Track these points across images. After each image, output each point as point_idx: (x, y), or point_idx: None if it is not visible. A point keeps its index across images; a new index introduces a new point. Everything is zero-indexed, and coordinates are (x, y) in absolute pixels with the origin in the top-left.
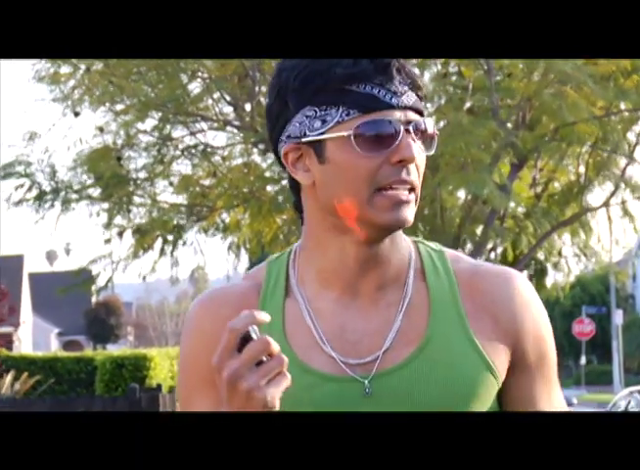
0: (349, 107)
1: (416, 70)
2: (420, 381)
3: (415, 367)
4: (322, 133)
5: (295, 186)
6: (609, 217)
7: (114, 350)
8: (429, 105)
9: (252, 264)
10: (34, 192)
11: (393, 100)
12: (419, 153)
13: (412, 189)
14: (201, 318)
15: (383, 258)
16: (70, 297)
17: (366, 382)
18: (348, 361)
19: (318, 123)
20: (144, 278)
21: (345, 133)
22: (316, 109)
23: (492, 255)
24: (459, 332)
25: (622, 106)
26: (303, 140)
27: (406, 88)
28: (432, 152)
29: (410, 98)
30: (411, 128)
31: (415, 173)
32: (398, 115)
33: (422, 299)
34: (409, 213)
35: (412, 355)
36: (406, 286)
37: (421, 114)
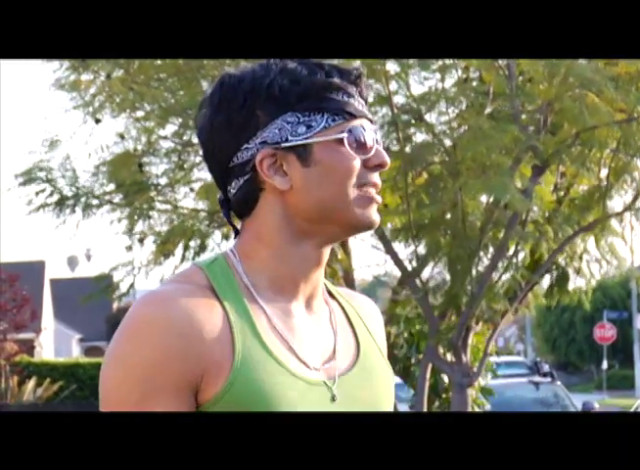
0: (334, 113)
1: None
2: (364, 386)
3: (358, 374)
4: (308, 137)
5: (251, 195)
6: (630, 222)
7: None
8: (450, 110)
9: None
10: (55, 197)
11: (364, 109)
12: None
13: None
14: (175, 318)
15: (324, 266)
16: (92, 303)
17: (334, 387)
18: (315, 366)
19: (303, 129)
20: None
21: (339, 136)
22: (299, 115)
23: (514, 259)
24: (373, 343)
25: None
26: (285, 145)
27: (363, 99)
28: None
29: (367, 108)
30: (378, 137)
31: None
32: (370, 123)
33: (338, 309)
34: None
35: (354, 363)
36: (324, 296)
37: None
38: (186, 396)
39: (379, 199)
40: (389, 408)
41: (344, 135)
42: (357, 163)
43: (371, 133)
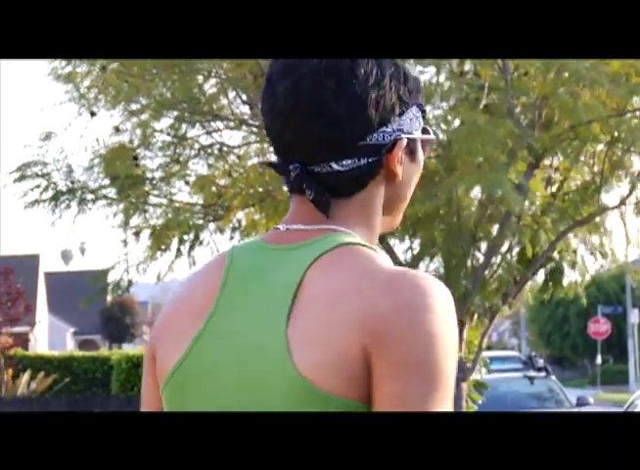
0: (423, 116)
1: None
2: None
3: None
4: (422, 133)
5: (367, 177)
6: (624, 217)
7: (129, 349)
8: (444, 104)
9: None
10: (50, 192)
11: None
12: None
13: None
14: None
15: None
16: (85, 296)
17: None
18: None
19: (417, 124)
20: (159, 278)
21: (431, 137)
22: (420, 109)
23: (508, 255)
24: None
25: (637, 104)
26: (412, 136)
27: None
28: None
29: None
30: None
31: None
32: None
33: None
34: None
35: None
36: None
37: None
38: None
39: None
40: None
41: (433, 138)
42: None
43: None
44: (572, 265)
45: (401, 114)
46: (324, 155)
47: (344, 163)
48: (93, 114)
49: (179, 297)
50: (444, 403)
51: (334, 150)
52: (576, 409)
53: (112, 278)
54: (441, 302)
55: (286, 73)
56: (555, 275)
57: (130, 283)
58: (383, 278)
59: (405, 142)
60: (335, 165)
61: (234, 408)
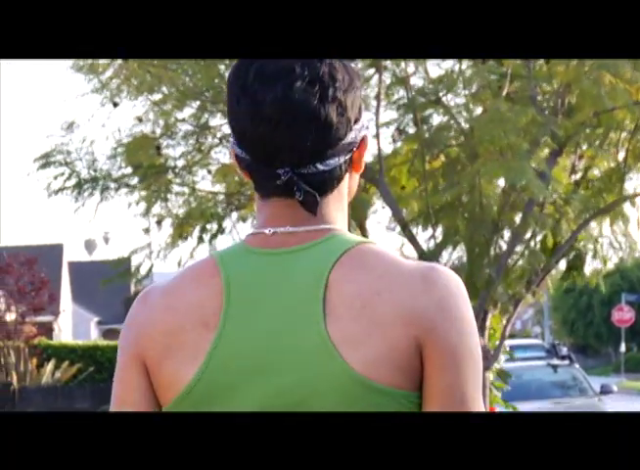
0: None
1: None
2: None
3: None
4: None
5: (344, 173)
6: None
7: None
8: (466, 91)
9: None
10: (73, 181)
11: None
12: None
13: None
14: None
15: None
16: (110, 285)
17: None
18: None
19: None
20: (180, 265)
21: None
22: None
23: (531, 243)
24: None
25: None
26: (368, 132)
27: None
28: None
29: None
30: None
31: None
32: None
33: None
34: None
35: None
36: None
37: None
38: None
39: None
40: None
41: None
42: None
43: None
44: (595, 254)
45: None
46: (311, 157)
47: (328, 162)
48: (115, 104)
49: (170, 309)
50: (480, 386)
51: (320, 152)
52: (600, 397)
53: (134, 263)
54: (465, 291)
55: (271, 80)
56: (577, 263)
57: (151, 269)
58: (415, 274)
59: (367, 137)
60: (320, 166)
61: (280, 408)
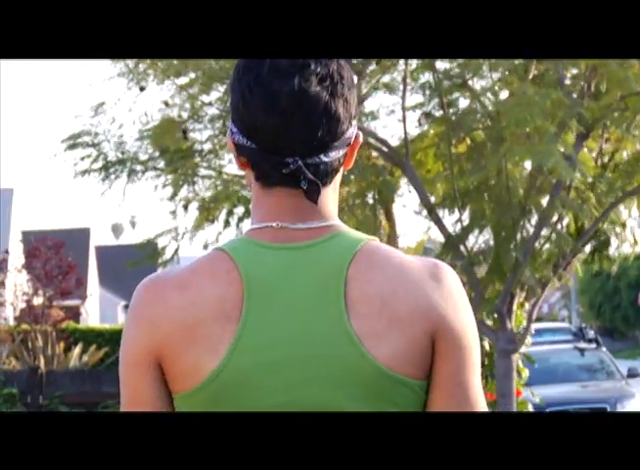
0: None
1: None
2: None
3: None
4: None
5: (340, 166)
6: None
7: None
8: (494, 75)
9: None
10: (100, 162)
11: None
12: None
13: None
14: None
15: None
16: (137, 269)
17: None
18: None
19: None
20: (207, 248)
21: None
22: None
23: (558, 226)
24: None
25: None
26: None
27: None
28: None
29: None
30: None
31: None
32: None
33: None
34: None
35: None
36: None
37: None
38: None
39: None
40: None
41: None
42: None
43: None
44: (621, 237)
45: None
46: (318, 148)
47: (330, 154)
48: (142, 88)
49: (189, 304)
50: (479, 373)
51: (326, 144)
52: (628, 380)
53: (160, 245)
54: (462, 284)
55: (286, 74)
56: (603, 247)
57: (177, 251)
58: (423, 272)
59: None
60: (324, 158)
61: (306, 399)
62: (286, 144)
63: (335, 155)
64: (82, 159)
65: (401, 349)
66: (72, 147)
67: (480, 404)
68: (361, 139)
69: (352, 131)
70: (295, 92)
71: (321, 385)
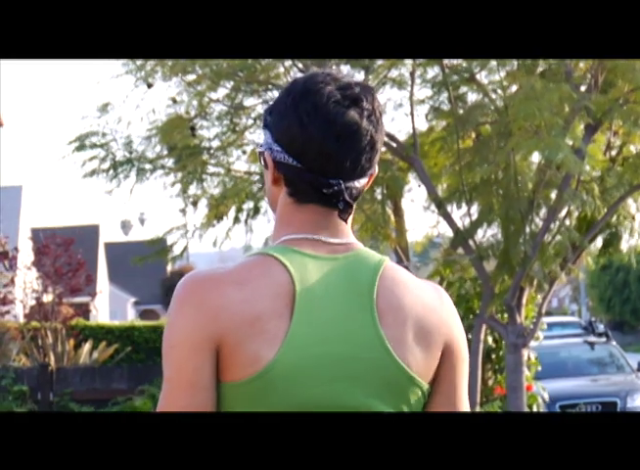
0: None
1: None
2: None
3: None
4: None
5: (362, 192)
6: None
7: None
8: (501, 69)
9: None
10: (108, 162)
11: None
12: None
13: None
14: None
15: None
16: (146, 266)
17: None
18: None
19: None
20: (216, 245)
21: None
22: None
23: (567, 220)
24: None
25: None
26: None
27: None
28: None
29: None
30: None
31: None
32: None
33: None
34: None
35: None
36: None
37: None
38: None
39: None
40: None
41: None
42: None
43: None
44: (631, 230)
45: None
46: (359, 174)
47: (362, 181)
48: (150, 85)
49: (247, 301)
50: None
51: (365, 171)
52: (638, 374)
53: (169, 242)
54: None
55: (344, 105)
56: (613, 240)
57: (186, 247)
58: (431, 290)
59: None
60: (357, 183)
61: (343, 392)
62: (333, 167)
63: (364, 181)
64: (90, 159)
65: (422, 356)
66: (80, 148)
67: (467, 404)
68: (377, 171)
69: (376, 161)
70: (350, 123)
71: (354, 380)
